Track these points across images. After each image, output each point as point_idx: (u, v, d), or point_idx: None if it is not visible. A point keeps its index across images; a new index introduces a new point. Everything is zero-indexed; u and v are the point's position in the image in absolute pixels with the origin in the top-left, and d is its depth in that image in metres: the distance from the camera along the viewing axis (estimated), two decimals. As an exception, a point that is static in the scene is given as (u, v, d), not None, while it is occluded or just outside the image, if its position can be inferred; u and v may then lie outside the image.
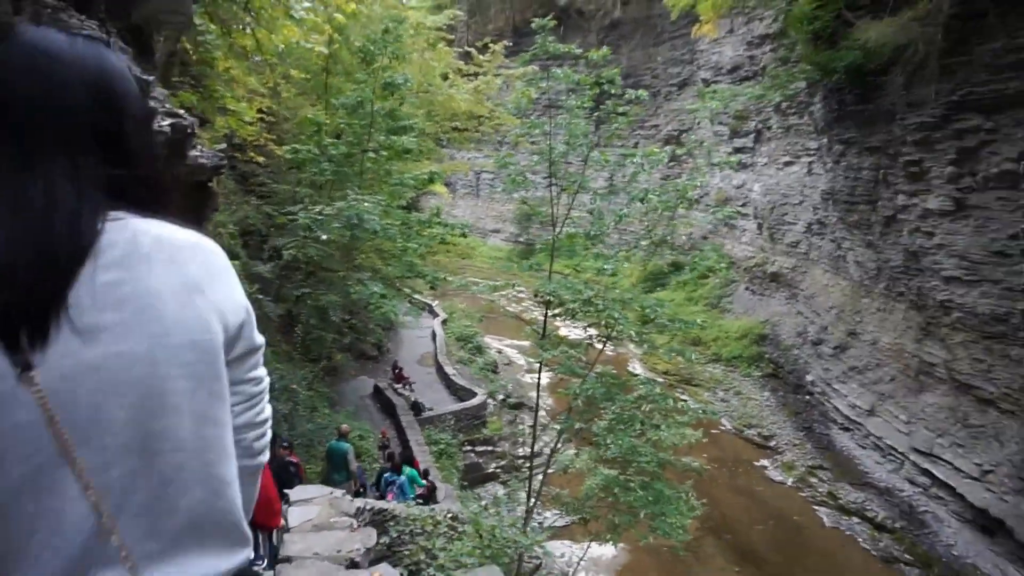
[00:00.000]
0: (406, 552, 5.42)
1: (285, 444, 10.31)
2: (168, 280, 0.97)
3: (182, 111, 3.97)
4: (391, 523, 8.31)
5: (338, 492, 4.16)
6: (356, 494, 10.71)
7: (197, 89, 13.23)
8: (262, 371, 1.23)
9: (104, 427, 0.91)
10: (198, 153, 4.60)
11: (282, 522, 4.40)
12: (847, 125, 24.01)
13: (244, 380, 1.17)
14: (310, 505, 4.00)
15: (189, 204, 5.20)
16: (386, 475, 12.48)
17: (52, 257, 0.89)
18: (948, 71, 17.52)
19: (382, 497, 11.84)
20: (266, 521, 3.95)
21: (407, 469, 13.16)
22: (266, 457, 1.26)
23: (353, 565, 3.28)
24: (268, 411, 1.26)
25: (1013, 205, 16.34)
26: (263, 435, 1.25)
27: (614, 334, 9.96)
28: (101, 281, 0.92)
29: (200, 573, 0.99)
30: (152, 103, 3.34)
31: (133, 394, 0.93)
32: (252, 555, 1.29)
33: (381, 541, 6.06)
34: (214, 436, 1.04)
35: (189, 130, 4.00)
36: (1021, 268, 16.17)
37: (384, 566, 3.73)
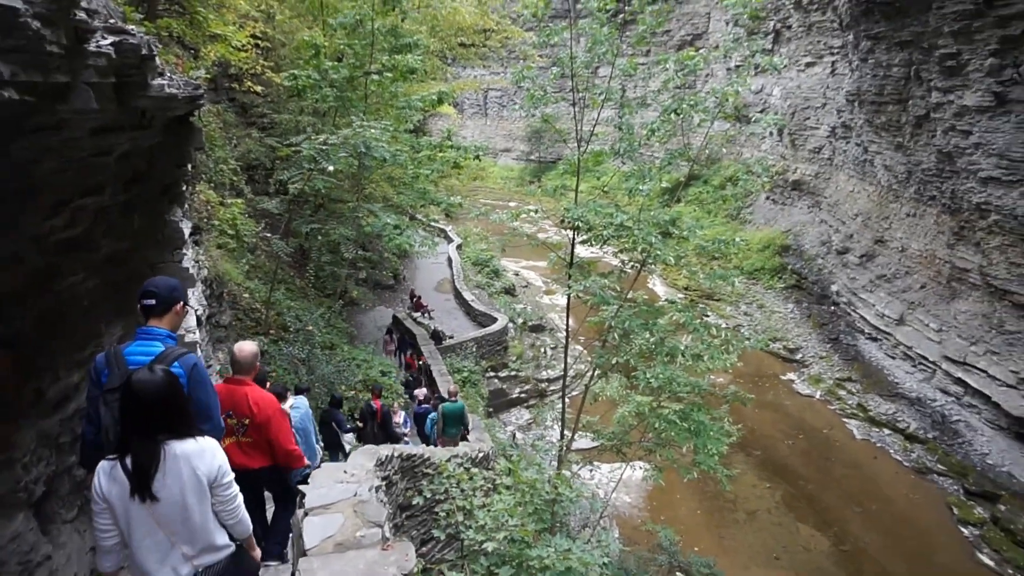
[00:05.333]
0: (442, 513, 5.01)
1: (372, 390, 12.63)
2: (184, 470, 2.92)
3: (131, 27, 3.20)
4: (420, 469, 8.01)
5: (363, 491, 3.59)
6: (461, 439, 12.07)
7: (183, 16, 12.26)
8: (227, 492, 3.11)
9: (169, 517, 2.94)
10: (165, 82, 3.85)
11: (306, 462, 4.83)
12: (875, 18, 22.45)
13: (218, 494, 3.06)
14: (330, 514, 3.46)
15: (166, 144, 4.44)
16: (432, 416, 12.96)
17: (147, 468, 2.87)
18: (993, -49, 16.13)
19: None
20: (290, 464, 4.32)
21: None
22: (234, 522, 3.20)
23: (388, 601, 2.75)
24: (233, 504, 3.14)
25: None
26: (229, 515, 3.15)
27: (650, 260, 9.34)
28: (162, 475, 2.88)
29: (206, 560, 3.07)
30: (82, 15, 2.63)
31: (177, 509, 2.94)
32: (232, 549, 3.15)
33: (415, 503, 5.67)
34: (204, 513, 3.03)
35: (144, 51, 3.23)
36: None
37: (403, 542, 3.31)
